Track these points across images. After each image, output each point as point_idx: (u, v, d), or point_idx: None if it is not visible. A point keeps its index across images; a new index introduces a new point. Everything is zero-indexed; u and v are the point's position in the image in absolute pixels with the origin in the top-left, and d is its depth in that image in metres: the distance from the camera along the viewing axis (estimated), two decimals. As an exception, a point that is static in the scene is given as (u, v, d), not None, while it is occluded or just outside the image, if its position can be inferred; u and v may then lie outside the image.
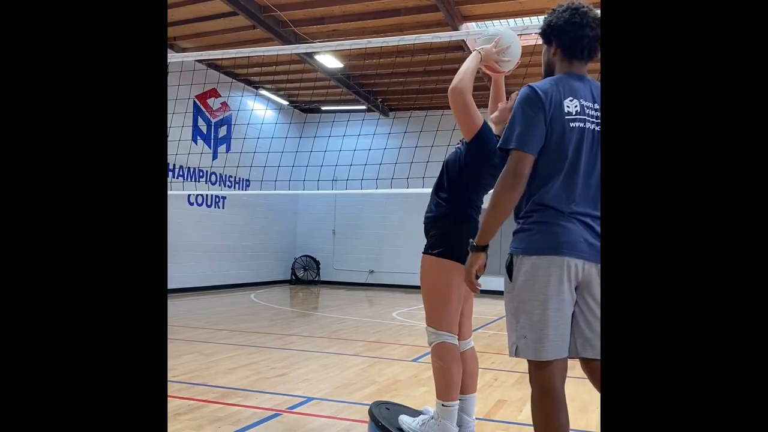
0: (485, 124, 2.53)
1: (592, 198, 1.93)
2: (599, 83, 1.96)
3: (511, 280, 1.93)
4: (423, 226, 2.67)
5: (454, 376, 2.49)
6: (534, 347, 1.86)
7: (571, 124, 1.89)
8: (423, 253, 2.59)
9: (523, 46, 2.70)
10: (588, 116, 1.93)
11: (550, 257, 1.85)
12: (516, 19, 8.14)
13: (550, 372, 1.88)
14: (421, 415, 2.67)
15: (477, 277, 2.01)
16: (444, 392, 2.49)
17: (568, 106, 1.90)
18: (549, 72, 2.06)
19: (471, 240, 1.99)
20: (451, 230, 2.52)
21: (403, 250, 13.55)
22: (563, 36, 1.98)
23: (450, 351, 2.51)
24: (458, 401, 2.54)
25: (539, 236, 1.89)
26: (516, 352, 1.92)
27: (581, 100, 1.93)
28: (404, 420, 2.66)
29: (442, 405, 2.50)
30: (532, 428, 1.92)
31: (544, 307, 1.85)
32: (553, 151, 1.89)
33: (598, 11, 2.01)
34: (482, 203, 2.60)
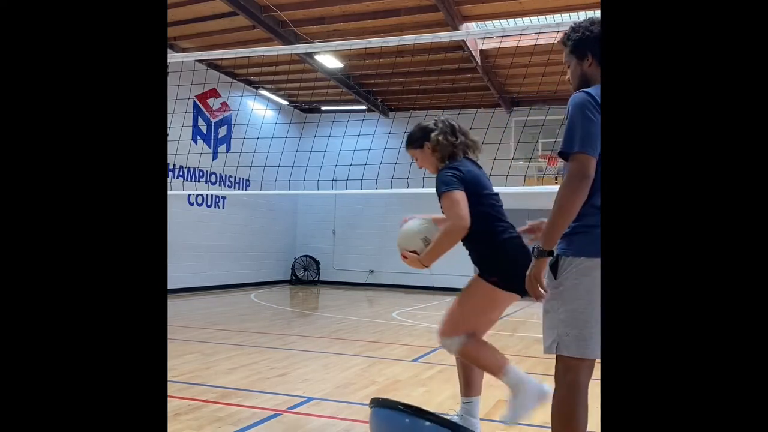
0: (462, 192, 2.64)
1: None
2: None
3: (556, 279, 1.96)
4: None
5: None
6: (578, 345, 1.90)
7: None
8: None
9: (523, 46, 2.71)
10: None
11: (597, 260, 1.88)
12: (516, 19, 8.15)
13: (582, 370, 1.93)
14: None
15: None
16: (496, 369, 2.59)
17: None
18: (585, 84, 2.07)
19: (537, 244, 1.97)
20: None
21: (403, 251, 13.53)
22: (597, 44, 2.03)
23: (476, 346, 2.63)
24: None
25: (588, 238, 1.92)
26: (557, 349, 1.95)
27: None
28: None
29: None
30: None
31: (592, 308, 1.88)
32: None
33: None
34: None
